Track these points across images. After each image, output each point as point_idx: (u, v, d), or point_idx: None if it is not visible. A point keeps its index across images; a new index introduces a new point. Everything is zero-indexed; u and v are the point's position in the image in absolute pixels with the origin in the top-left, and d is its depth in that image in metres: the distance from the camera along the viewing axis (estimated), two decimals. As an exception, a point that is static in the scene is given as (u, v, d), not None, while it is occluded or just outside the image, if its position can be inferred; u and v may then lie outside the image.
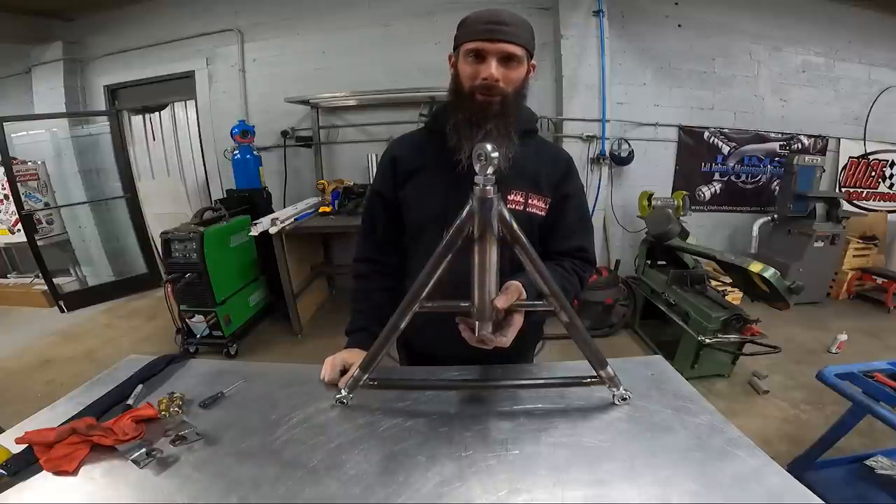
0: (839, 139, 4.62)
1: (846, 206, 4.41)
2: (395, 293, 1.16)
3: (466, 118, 1.02)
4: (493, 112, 1.01)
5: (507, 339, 0.91)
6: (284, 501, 0.73)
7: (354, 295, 1.24)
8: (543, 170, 1.14)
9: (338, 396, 0.98)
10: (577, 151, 4.04)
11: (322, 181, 4.15)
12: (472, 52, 0.98)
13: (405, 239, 1.21)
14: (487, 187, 0.77)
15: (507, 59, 0.98)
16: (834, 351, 3.23)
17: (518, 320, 0.93)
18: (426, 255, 1.09)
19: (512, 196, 1.09)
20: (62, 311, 4.45)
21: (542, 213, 1.13)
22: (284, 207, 4.13)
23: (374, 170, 1.31)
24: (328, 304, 4.56)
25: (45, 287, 4.46)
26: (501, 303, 0.87)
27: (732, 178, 4.59)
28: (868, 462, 1.77)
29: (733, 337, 2.68)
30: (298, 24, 4.34)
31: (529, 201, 1.11)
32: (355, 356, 1.05)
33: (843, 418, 1.76)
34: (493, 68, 0.96)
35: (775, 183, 4.58)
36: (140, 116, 5.08)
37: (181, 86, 4.72)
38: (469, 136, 1.01)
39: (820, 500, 0.71)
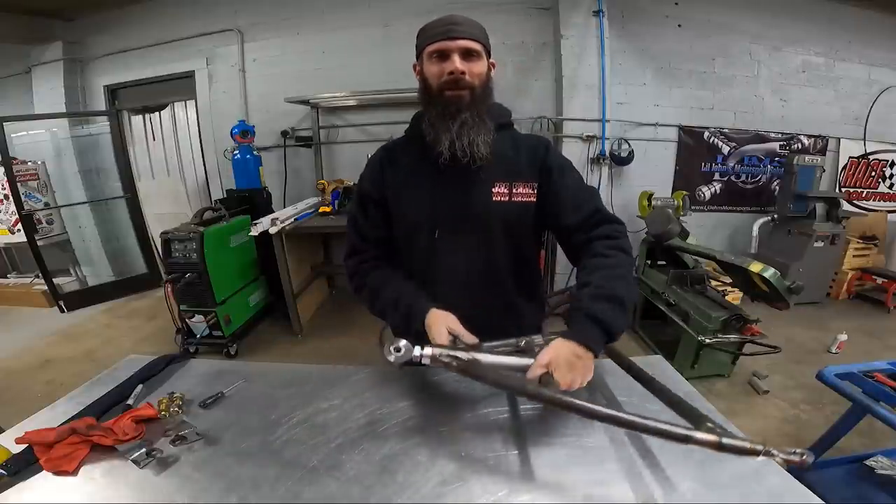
0: (839, 139, 4.61)
1: (846, 206, 4.40)
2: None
3: (440, 112, 1.06)
4: (465, 104, 1.05)
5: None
6: (284, 501, 0.74)
7: (378, 282, 1.17)
8: (523, 157, 1.16)
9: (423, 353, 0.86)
10: (577, 151, 4.04)
11: (322, 181, 4.14)
12: (435, 52, 1.04)
13: (398, 246, 1.22)
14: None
15: (468, 55, 1.03)
16: (834, 351, 3.23)
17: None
18: (421, 259, 1.17)
19: (497, 189, 1.12)
20: (62, 311, 4.45)
21: (533, 200, 1.15)
22: (284, 207, 4.12)
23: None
24: (328, 304, 4.56)
25: (45, 287, 4.45)
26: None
27: (732, 178, 4.58)
28: (868, 462, 1.76)
29: (733, 337, 2.68)
30: (298, 23, 4.34)
31: (514, 190, 1.13)
32: (447, 317, 1.01)
33: (843, 418, 1.76)
34: (457, 62, 1.02)
35: (775, 183, 4.58)
36: (140, 116, 5.08)
37: (181, 86, 4.72)
38: (446, 129, 1.05)
39: (820, 500, 0.71)
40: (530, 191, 1.14)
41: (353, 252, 1.23)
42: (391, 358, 0.84)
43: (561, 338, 0.89)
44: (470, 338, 0.97)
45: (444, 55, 1.03)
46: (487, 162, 1.08)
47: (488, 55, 1.09)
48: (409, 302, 1.08)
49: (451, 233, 1.13)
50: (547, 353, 0.86)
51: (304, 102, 4.18)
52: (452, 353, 0.86)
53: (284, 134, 4.50)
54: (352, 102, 4.32)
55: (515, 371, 0.86)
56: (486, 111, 1.09)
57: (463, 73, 1.02)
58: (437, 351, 0.86)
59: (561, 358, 0.85)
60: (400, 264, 1.22)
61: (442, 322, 1.00)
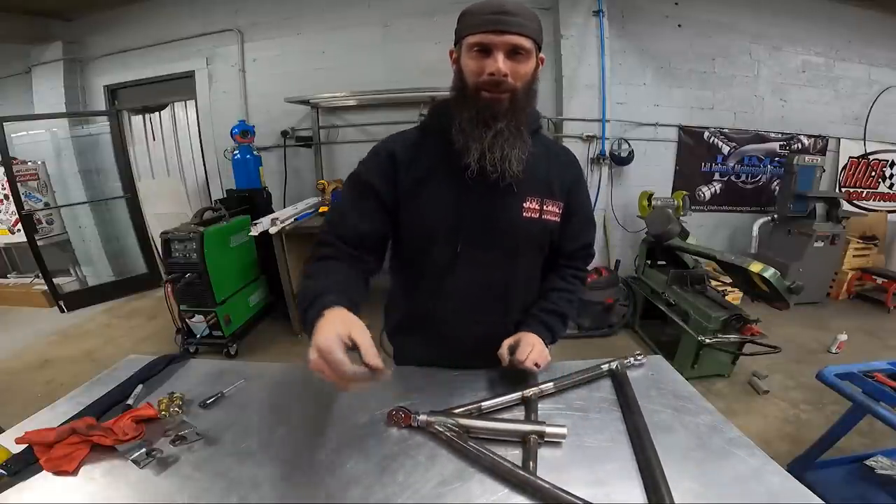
0: (839, 139, 4.62)
1: (846, 206, 4.41)
2: (367, 290, 1.02)
3: (473, 117, 0.93)
4: (503, 110, 0.92)
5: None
6: (284, 501, 0.74)
7: (317, 268, 0.98)
8: (555, 174, 1.08)
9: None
10: (577, 151, 3.91)
11: (322, 181, 4.14)
12: (477, 45, 0.89)
13: (405, 253, 1.12)
14: None
15: (514, 53, 0.88)
16: (834, 351, 3.23)
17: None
18: (435, 271, 1.07)
19: (528, 204, 1.03)
20: (62, 311, 4.45)
21: (557, 220, 1.09)
22: (284, 207, 4.12)
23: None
24: (328, 304, 4.55)
25: (45, 287, 4.45)
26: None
27: (732, 178, 4.59)
28: (868, 462, 1.77)
29: (733, 337, 2.68)
30: (298, 23, 4.34)
31: (545, 208, 1.05)
32: (353, 322, 0.77)
33: (843, 418, 1.76)
34: (500, 62, 0.87)
35: (775, 183, 4.58)
36: (140, 116, 5.08)
37: (181, 86, 4.72)
38: (477, 137, 0.93)
39: (820, 500, 0.71)
40: (557, 210, 1.08)
41: (324, 242, 1.02)
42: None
43: (523, 331, 1.08)
44: (374, 358, 0.71)
45: (486, 50, 0.88)
46: (518, 179, 0.97)
47: (538, 49, 0.93)
48: (319, 293, 0.85)
49: (474, 247, 1.03)
50: (513, 336, 1.07)
51: (304, 102, 4.18)
52: (447, 421, 0.88)
53: (284, 134, 4.50)
54: (352, 102, 4.32)
55: (510, 435, 0.87)
56: (525, 119, 0.96)
57: (506, 75, 0.88)
58: (433, 418, 0.89)
59: (523, 338, 1.05)
60: (370, 265, 1.05)
61: (335, 327, 0.73)
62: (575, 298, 1.19)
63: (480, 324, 1.12)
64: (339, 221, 1.04)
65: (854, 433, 1.82)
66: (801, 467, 1.84)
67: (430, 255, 1.06)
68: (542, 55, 0.95)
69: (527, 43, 0.88)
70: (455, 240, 1.03)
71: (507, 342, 1.05)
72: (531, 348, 1.01)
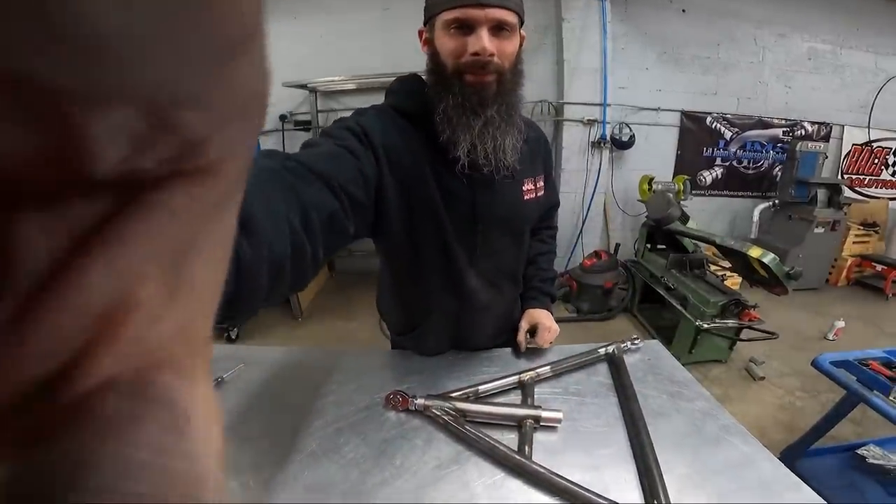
0: (843, 126, 4.59)
1: (847, 193, 4.40)
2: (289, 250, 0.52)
3: (459, 104, 0.81)
4: (491, 95, 0.82)
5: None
6: (284, 485, 0.75)
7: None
8: (536, 149, 1.05)
9: None
10: (577, 135, 4.01)
11: (321, 165, 4.11)
12: (455, 21, 0.77)
13: (417, 256, 0.97)
14: None
15: (499, 29, 0.78)
16: (831, 338, 3.25)
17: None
18: (453, 272, 0.99)
19: (526, 186, 1.00)
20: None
21: (544, 192, 1.09)
22: (284, 192, 4.09)
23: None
24: (328, 287, 4.56)
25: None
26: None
27: (734, 163, 4.56)
28: (860, 451, 1.78)
29: (731, 322, 2.68)
30: (295, 7, 4.26)
31: (538, 185, 1.04)
32: None
33: (836, 406, 1.76)
34: (485, 40, 0.76)
35: (777, 169, 4.56)
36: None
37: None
38: (466, 126, 0.82)
39: (809, 489, 0.72)
40: (542, 183, 1.07)
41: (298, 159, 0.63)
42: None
43: (530, 308, 1.17)
44: None
45: (467, 27, 0.77)
46: (513, 171, 0.91)
47: (521, 24, 0.82)
48: None
49: (489, 241, 0.98)
50: (526, 318, 1.15)
51: (303, 86, 4.14)
52: (444, 405, 0.89)
53: (283, 118, 4.46)
54: (350, 86, 4.27)
55: (506, 419, 0.88)
56: (516, 103, 0.87)
57: (492, 54, 0.78)
58: (430, 402, 0.90)
59: (538, 318, 1.14)
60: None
61: None
62: (554, 256, 1.29)
63: (498, 312, 1.13)
64: (316, 156, 0.67)
65: (847, 422, 1.83)
66: (794, 455, 1.85)
67: (446, 255, 0.96)
68: (523, 32, 0.85)
69: (511, 18, 0.78)
70: (474, 239, 0.96)
71: (523, 327, 1.13)
72: (548, 332, 1.12)
